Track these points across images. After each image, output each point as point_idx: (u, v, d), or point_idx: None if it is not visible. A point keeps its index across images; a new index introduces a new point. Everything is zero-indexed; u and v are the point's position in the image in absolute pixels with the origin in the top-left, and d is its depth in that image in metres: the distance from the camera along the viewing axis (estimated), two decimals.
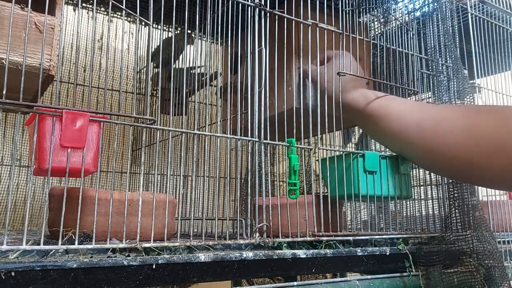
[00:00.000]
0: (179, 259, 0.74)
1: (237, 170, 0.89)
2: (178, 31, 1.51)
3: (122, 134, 1.30)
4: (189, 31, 1.30)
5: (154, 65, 1.47)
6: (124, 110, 1.56)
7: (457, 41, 1.21)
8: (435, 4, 1.25)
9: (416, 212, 1.22)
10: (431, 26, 1.23)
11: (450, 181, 1.11)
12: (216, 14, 0.94)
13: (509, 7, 1.39)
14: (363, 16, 1.22)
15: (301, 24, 1.04)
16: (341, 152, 1.01)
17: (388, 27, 1.25)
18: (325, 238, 0.93)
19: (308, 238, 0.91)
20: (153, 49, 1.41)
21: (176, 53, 1.27)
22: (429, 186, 1.23)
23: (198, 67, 1.21)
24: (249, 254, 0.81)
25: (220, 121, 0.96)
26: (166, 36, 1.53)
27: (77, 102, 1.40)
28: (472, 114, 0.80)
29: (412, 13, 1.28)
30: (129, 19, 1.58)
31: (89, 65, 1.27)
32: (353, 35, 1.08)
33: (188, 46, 1.21)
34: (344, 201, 1.05)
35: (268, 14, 0.96)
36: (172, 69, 0.89)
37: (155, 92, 1.54)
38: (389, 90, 1.20)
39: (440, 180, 1.18)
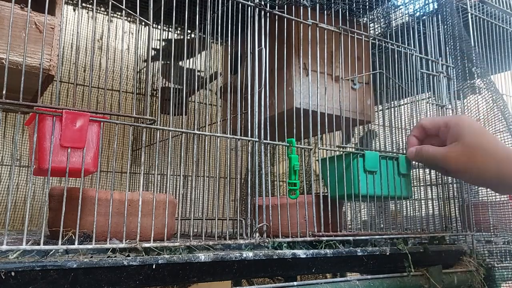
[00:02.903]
0: (179, 259, 0.74)
1: (237, 170, 0.89)
2: (190, 35, 1.51)
3: (122, 134, 1.30)
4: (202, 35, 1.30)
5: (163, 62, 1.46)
6: (124, 110, 1.56)
7: (457, 40, 1.21)
8: (436, 4, 1.25)
9: (416, 212, 1.22)
10: (431, 26, 1.23)
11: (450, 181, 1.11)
12: (216, 14, 0.94)
13: (509, 7, 1.39)
14: (363, 16, 1.22)
15: (301, 24, 1.04)
16: (341, 152, 1.01)
17: (389, 27, 1.25)
18: (325, 238, 0.93)
19: (308, 238, 0.91)
20: (163, 44, 1.41)
21: (188, 56, 1.27)
22: (429, 186, 1.23)
23: (199, 71, 1.21)
24: (249, 254, 0.81)
25: (220, 121, 0.96)
26: (167, 36, 1.53)
27: (77, 102, 1.40)
28: None
29: (413, 13, 1.28)
30: (129, 19, 1.58)
31: (89, 65, 1.27)
32: (353, 35, 1.08)
33: (197, 49, 1.21)
34: (344, 201, 1.05)
35: (268, 14, 0.96)
36: (179, 68, 0.89)
37: (155, 92, 1.54)
38: (389, 89, 1.20)
39: (440, 180, 1.18)
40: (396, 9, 1.31)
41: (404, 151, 1.17)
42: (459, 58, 1.19)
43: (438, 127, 0.73)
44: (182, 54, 0.89)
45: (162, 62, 1.45)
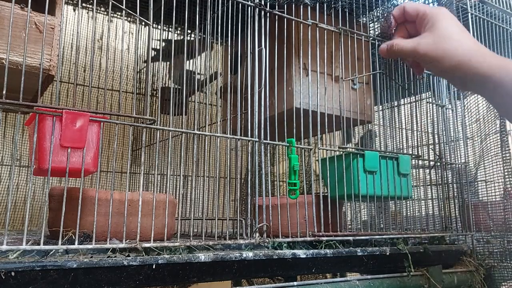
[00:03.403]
0: (179, 259, 0.74)
1: (237, 170, 0.89)
2: (193, 36, 1.51)
3: (122, 134, 1.30)
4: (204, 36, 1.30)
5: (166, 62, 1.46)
6: (124, 110, 1.56)
7: None
8: (435, 4, 1.25)
9: (416, 212, 1.22)
10: None
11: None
12: (216, 14, 0.94)
13: (509, 7, 1.39)
14: (363, 16, 1.22)
15: (301, 24, 1.04)
16: (341, 152, 1.01)
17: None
18: (325, 238, 0.93)
19: (308, 238, 0.91)
20: (163, 44, 1.41)
21: (188, 56, 1.27)
22: (429, 186, 1.23)
23: (199, 74, 1.21)
24: (249, 254, 0.81)
25: (220, 121, 0.96)
26: (167, 37, 1.53)
27: (77, 102, 1.40)
28: None
29: None
30: (129, 19, 1.58)
31: (89, 65, 1.27)
32: (353, 35, 1.08)
33: (197, 49, 1.21)
34: (344, 201, 1.05)
35: (268, 14, 0.96)
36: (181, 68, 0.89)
37: (155, 92, 1.54)
38: (389, 90, 1.20)
39: (440, 180, 1.18)
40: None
41: (404, 151, 1.17)
42: None
43: (417, 13, 0.71)
44: (183, 54, 0.89)
45: (167, 63, 1.45)
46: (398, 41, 0.69)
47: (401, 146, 1.27)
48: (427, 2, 1.29)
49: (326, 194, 1.01)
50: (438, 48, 0.65)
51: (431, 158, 1.18)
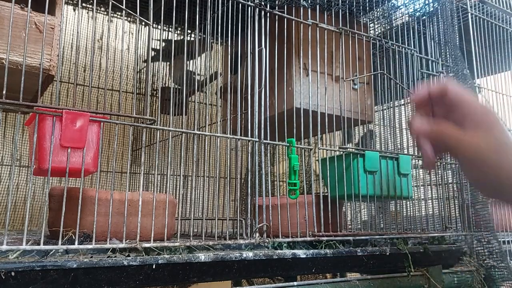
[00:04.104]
0: (179, 259, 0.74)
1: (237, 170, 0.89)
2: (192, 36, 1.51)
3: (122, 134, 1.30)
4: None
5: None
6: (124, 110, 1.56)
7: (457, 40, 1.21)
8: (435, 4, 1.25)
9: (416, 212, 1.22)
10: (431, 26, 1.23)
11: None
12: (216, 14, 0.94)
13: (509, 7, 1.39)
14: (363, 16, 1.22)
15: (301, 24, 1.04)
16: (341, 152, 1.00)
17: (392, 27, 1.25)
18: (325, 238, 0.93)
19: (308, 238, 0.91)
20: (163, 45, 1.41)
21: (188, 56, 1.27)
22: (429, 186, 1.23)
23: (199, 74, 1.21)
24: (249, 254, 0.81)
25: (220, 121, 0.96)
26: (167, 37, 1.53)
27: (77, 102, 1.40)
28: None
29: (413, 14, 1.28)
30: (129, 19, 1.58)
31: (89, 65, 1.27)
32: (353, 36, 1.08)
33: (197, 49, 1.21)
34: (344, 201, 1.05)
35: (268, 14, 0.96)
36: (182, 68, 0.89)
37: (155, 92, 1.54)
38: (389, 90, 1.20)
39: (440, 180, 1.18)
40: (396, 9, 1.31)
41: (404, 151, 1.17)
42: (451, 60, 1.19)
43: (459, 103, 0.61)
44: (183, 54, 0.89)
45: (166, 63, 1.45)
46: (445, 127, 0.58)
47: (401, 146, 1.27)
48: (427, 1, 1.29)
49: (326, 194, 1.01)
50: (499, 154, 0.55)
51: None
